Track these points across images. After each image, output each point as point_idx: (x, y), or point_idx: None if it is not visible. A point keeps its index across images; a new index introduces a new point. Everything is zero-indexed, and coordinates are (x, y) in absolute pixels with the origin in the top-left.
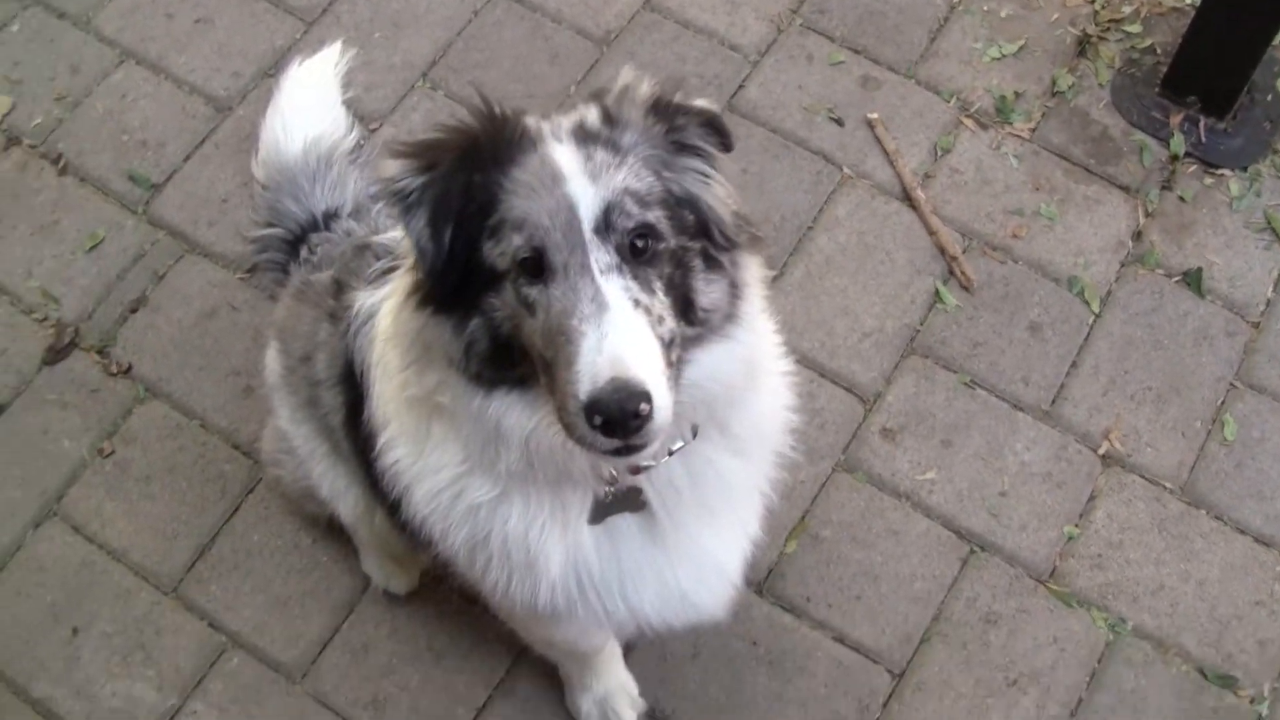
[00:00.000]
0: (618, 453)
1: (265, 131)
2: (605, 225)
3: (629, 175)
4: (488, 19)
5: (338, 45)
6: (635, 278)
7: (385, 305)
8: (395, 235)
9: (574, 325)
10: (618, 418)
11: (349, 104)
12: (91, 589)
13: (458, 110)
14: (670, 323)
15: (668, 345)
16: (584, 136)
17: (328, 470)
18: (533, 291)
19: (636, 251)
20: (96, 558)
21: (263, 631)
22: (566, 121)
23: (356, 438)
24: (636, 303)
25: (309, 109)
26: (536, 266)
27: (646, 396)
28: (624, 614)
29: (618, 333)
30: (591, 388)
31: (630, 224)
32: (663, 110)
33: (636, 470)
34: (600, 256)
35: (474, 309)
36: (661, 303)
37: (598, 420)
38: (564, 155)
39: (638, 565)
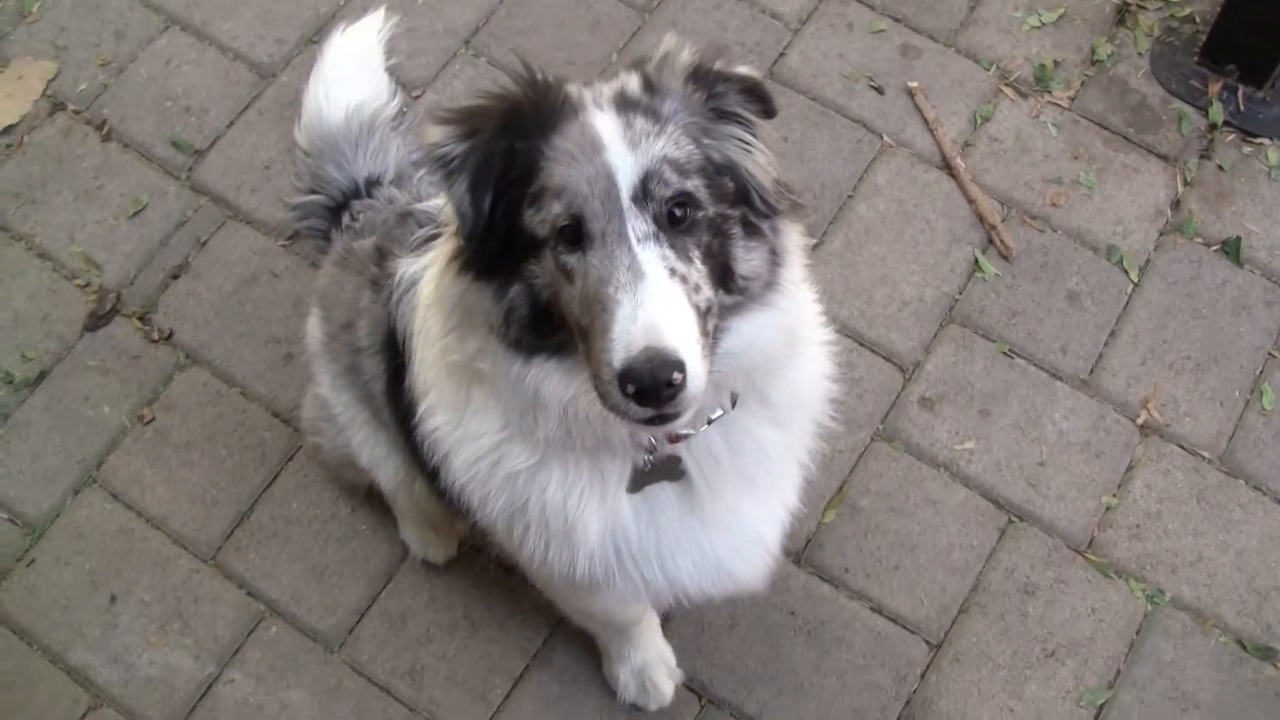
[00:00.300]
0: (650, 422)
1: (308, 98)
2: (643, 193)
3: (668, 143)
4: None
5: (381, 12)
6: (672, 246)
7: (428, 272)
8: (438, 203)
9: (610, 293)
10: (650, 386)
11: (392, 71)
12: (130, 556)
13: (500, 77)
14: (707, 291)
15: (704, 314)
16: (625, 104)
17: (368, 438)
18: (571, 259)
19: (675, 220)
20: (135, 525)
21: (300, 600)
22: (608, 89)
23: (397, 405)
24: (673, 271)
25: (352, 76)
26: (575, 234)
27: (680, 365)
28: (662, 583)
29: (653, 301)
30: (625, 356)
31: (668, 193)
32: (703, 77)
33: (676, 439)
34: (638, 225)
35: (515, 275)
36: (699, 271)
37: (631, 389)
38: (604, 123)
39: (676, 535)
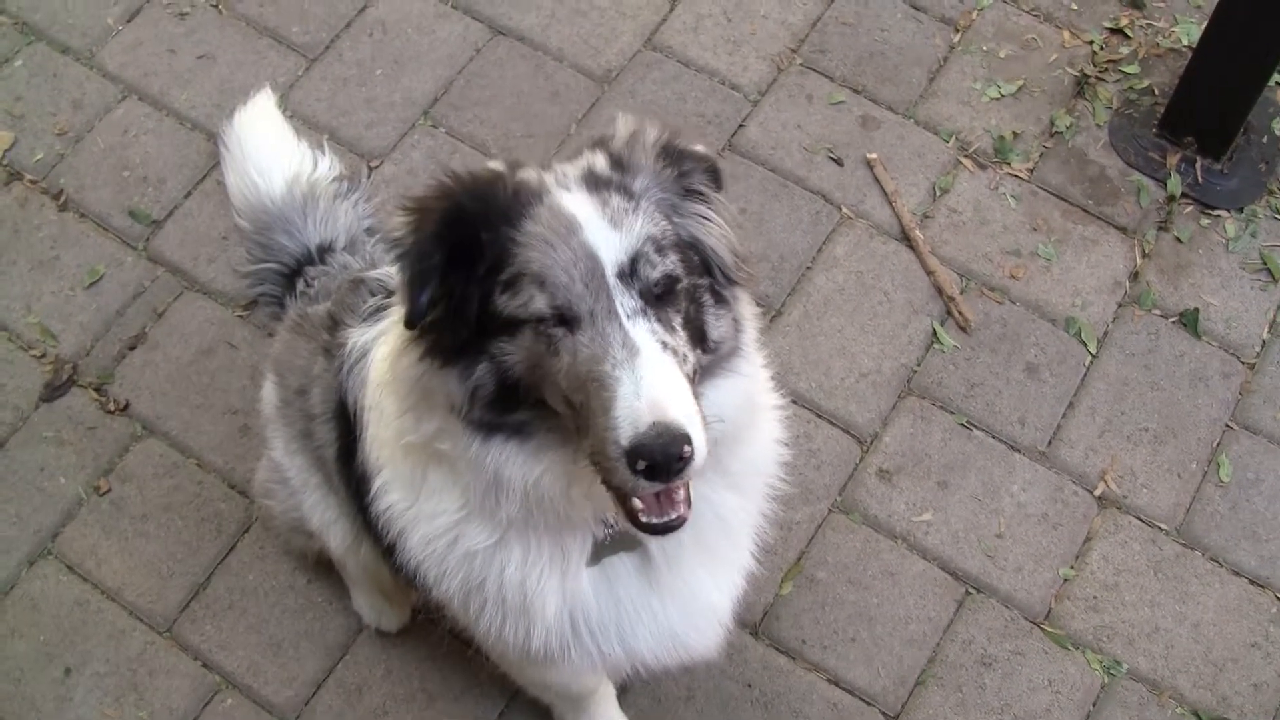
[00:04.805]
0: (657, 496)
1: (236, 182)
2: (630, 272)
3: (647, 221)
4: (489, 57)
5: (267, 90)
6: (659, 319)
7: (378, 351)
8: (389, 270)
9: (607, 371)
10: (662, 462)
11: (351, 142)
12: (85, 628)
13: (461, 149)
14: (691, 359)
15: (691, 381)
16: (595, 183)
17: (319, 502)
18: (556, 334)
19: (657, 293)
20: (90, 597)
21: (257, 672)
22: (572, 169)
23: (349, 472)
24: (664, 345)
25: (275, 149)
26: (559, 315)
27: (688, 439)
28: (619, 656)
29: (653, 376)
30: (634, 433)
31: (655, 273)
32: (673, 155)
33: None
34: (625, 301)
35: (482, 354)
36: (682, 340)
37: (641, 465)
38: (577, 203)
39: (634, 606)
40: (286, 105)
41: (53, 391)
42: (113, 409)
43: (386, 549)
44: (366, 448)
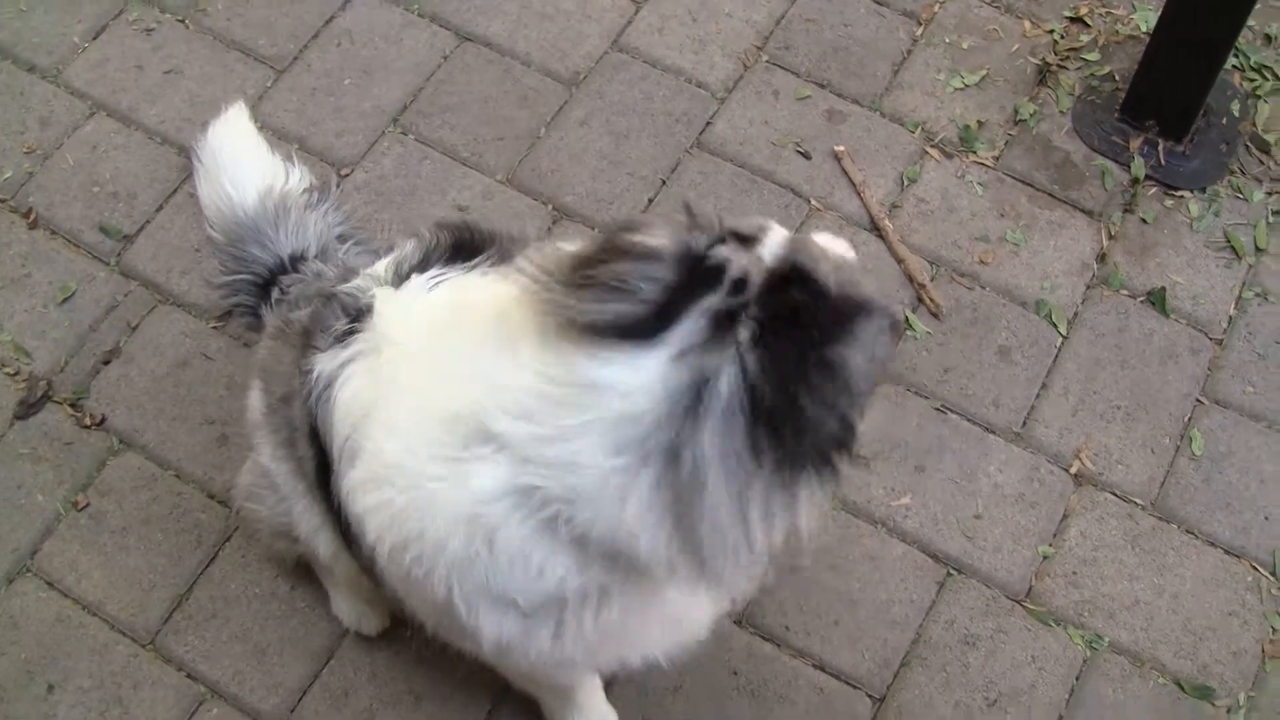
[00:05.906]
0: None
1: (208, 195)
2: None
3: None
4: (457, 64)
5: (240, 103)
6: None
7: (347, 388)
8: (359, 284)
9: None
10: None
11: (321, 151)
12: (67, 644)
13: (431, 154)
14: None
15: None
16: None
17: (305, 509)
18: None
19: None
20: (72, 612)
21: (242, 680)
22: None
23: (326, 487)
24: None
25: (249, 161)
26: None
27: None
28: (635, 661)
29: None
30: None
31: None
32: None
33: None
34: None
35: None
36: None
37: None
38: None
39: (659, 616)
40: (256, 117)
41: (28, 409)
42: (89, 424)
43: (365, 566)
44: (348, 492)
